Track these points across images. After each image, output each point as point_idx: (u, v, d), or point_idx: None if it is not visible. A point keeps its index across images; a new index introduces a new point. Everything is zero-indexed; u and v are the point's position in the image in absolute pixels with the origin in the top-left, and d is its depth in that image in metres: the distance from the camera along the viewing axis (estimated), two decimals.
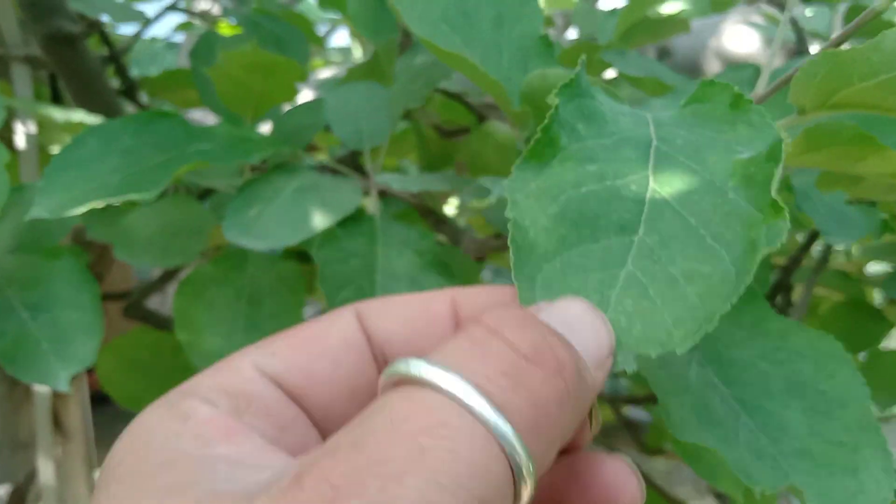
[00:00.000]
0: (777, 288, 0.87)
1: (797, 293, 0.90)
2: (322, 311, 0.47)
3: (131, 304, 0.76)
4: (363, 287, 0.46)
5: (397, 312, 0.25)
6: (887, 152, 0.33)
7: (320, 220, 0.47)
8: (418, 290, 0.46)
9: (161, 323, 0.74)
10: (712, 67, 0.88)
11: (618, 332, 0.24)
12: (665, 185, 0.26)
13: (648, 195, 0.26)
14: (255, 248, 0.45)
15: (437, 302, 0.26)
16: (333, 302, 0.44)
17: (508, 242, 0.25)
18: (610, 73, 0.93)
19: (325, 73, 1.19)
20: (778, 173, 0.25)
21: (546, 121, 0.27)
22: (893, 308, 0.97)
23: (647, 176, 0.26)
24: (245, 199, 0.49)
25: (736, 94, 0.29)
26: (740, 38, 0.87)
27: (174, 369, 0.69)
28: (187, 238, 0.63)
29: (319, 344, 0.24)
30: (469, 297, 0.26)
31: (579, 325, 0.22)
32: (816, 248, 0.91)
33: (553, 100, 0.27)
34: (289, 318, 0.57)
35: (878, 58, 0.27)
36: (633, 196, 0.26)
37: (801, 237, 0.88)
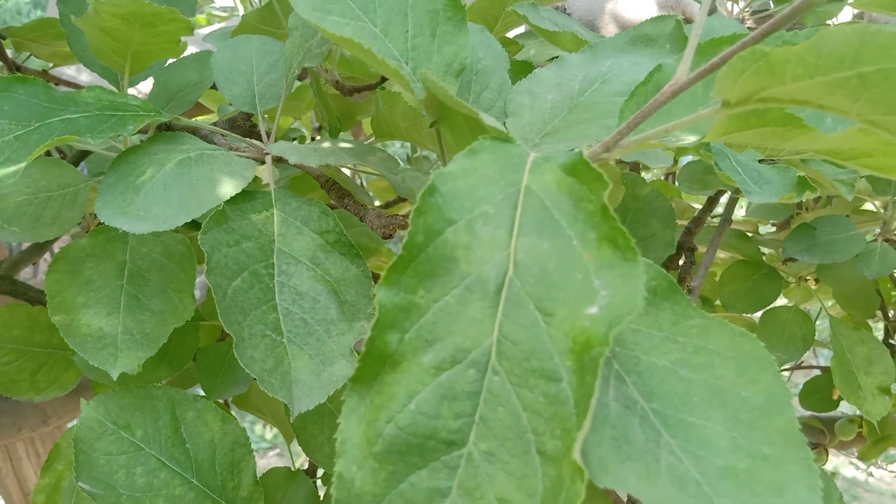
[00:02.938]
0: (681, 248, 0.87)
1: (700, 255, 0.91)
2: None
3: (0, 278, 0.69)
4: (259, 273, 0.42)
5: None
6: (813, 133, 0.31)
7: (209, 198, 0.43)
8: (322, 273, 0.43)
9: (35, 297, 0.68)
10: (609, 30, 0.86)
11: None
12: (505, 361, 0.26)
13: (486, 380, 0.26)
14: (133, 230, 0.40)
15: None
16: (224, 295, 0.40)
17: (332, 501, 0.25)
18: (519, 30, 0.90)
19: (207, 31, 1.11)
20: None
21: (370, 335, 0.26)
22: (786, 267, 0.99)
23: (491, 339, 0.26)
24: (121, 174, 0.43)
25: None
26: (636, 2, 0.85)
27: (51, 347, 0.64)
28: (61, 207, 0.57)
29: None
30: None
31: None
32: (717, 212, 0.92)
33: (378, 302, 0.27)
34: (179, 294, 0.53)
35: (814, 60, 0.24)
36: (468, 389, 0.26)
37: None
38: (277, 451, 3.47)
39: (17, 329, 0.63)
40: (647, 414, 0.28)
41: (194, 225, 0.67)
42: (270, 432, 3.50)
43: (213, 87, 0.58)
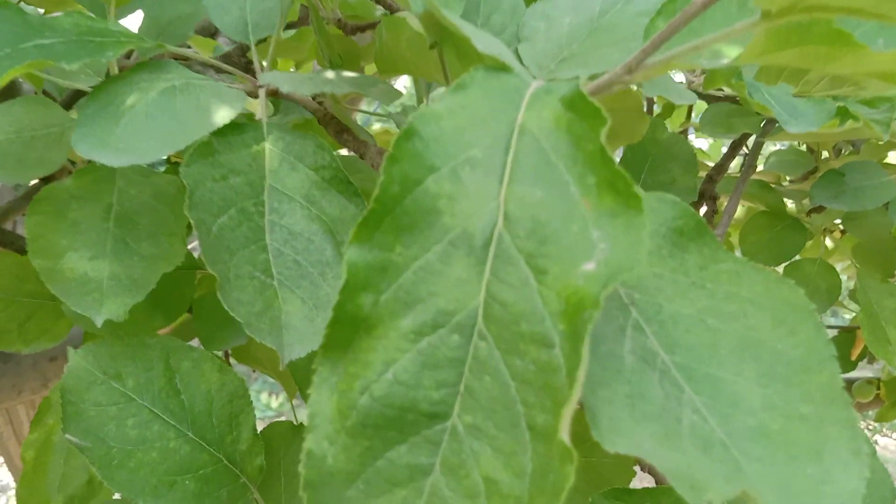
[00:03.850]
0: (702, 196, 0.83)
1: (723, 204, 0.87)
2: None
3: None
4: (248, 211, 0.39)
5: None
6: (864, 51, 0.27)
7: (194, 130, 0.39)
8: (318, 212, 0.40)
9: (24, 247, 0.65)
10: None
11: None
12: (493, 326, 0.23)
13: (472, 347, 0.23)
14: (112, 164, 0.37)
15: None
16: (209, 232, 0.37)
17: (301, 480, 0.23)
18: None
19: None
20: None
21: (338, 298, 0.23)
22: (810, 219, 0.95)
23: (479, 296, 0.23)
24: (100, 105, 0.40)
25: None
26: None
27: (41, 297, 0.61)
28: (46, 147, 0.54)
29: None
30: None
31: None
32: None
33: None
34: (169, 239, 0.50)
35: None
36: (452, 355, 0.23)
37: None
38: (283, 418, 3.48)
39: (4, 278, 0.60)
40: (668, 368, 0.25)
41: None
42: (276, 400, 3.51)
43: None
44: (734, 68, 0.46)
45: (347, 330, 0.23)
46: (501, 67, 0.26)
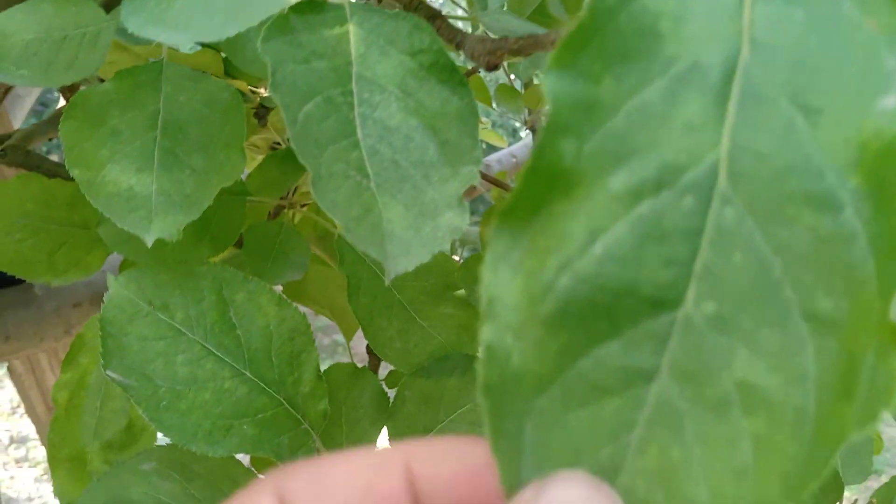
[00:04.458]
0: None
1: None
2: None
3: (11, 147, 0.60)
4: (335, 100, 0.32)
5: (333, 498, 0.19)
6: None
7: (266, 4, 0.33)
8: (416, 104, 0.33)
9: (52, 170, 0.59)
10: None
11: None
12: (742, 186, 0.17)
13: (713, 214, 0.17)
14: (168, 41, 0.31)
15: (386, 476, 0.19)
16: (295, 120, 0.31)
17: (478, 382, 0.18)
18: None
19: None
20: None
21: (539, 142, 0.17)
22: None
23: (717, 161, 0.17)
24: None
25: None
26: None
27: (71, 225, 0.55)
28: (79, 49, 0.47)
29: None
30: (429, 464, 0.20)
31: None
32: None
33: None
34: (225, 151, 0.43)
35: None
36: (684, 225, 0.17)
37: None
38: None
39: (31, 203, 0.54)
40: None
41: (238, 75, 0.57)
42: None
43: None
44: None
45: (541, 188, 0.17)
46: None
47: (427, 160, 0.33)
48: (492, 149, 1.31)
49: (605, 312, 0.17)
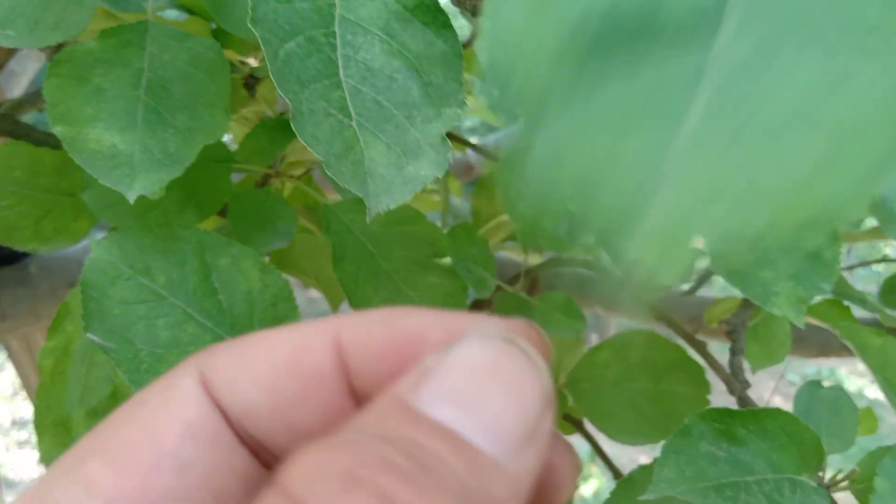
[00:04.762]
0: None
1: None
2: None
3: (0, 116, 0.59)
4: (317, 41, 0.32)
5: (256, 373, 0.18)
6: None
7: None
8: (399, 46, 0.33)
9: (41, 139, 0.58)
10: None
11: (679, 217, 0.15)
12: None
13: None
14: None
15: (313, 350, 0.18)
16: (276, 56, 0.30)
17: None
18: None
19: None
20: None
21: None
22: None
23: None
24: None
25: None
26: None
27: (58, 192, 0.54)
28: (66, 8, 0.46)
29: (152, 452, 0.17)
30: (357, 336, 0.18)
31: (484, 393, 0.15)
32: None
33: None
34: (209, 109, 0.43)
35: None
36: None
37: None
38: None
39: (17, 170, 0.53)
40: None
41: (223, 35, 0.57)
42: None
43: None
44: None
45: None
46: None
47: (410, 101, 0.32)
48: (489, 129, 1.30)
49: (628, 28, 0.15)
